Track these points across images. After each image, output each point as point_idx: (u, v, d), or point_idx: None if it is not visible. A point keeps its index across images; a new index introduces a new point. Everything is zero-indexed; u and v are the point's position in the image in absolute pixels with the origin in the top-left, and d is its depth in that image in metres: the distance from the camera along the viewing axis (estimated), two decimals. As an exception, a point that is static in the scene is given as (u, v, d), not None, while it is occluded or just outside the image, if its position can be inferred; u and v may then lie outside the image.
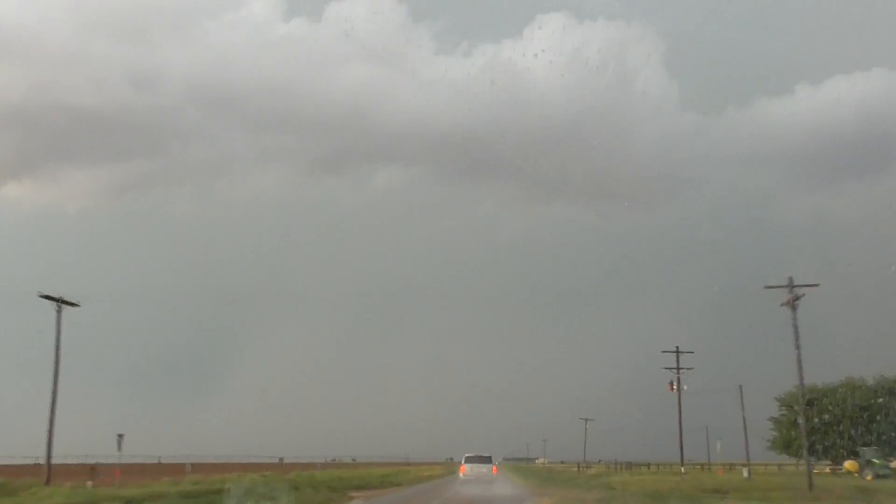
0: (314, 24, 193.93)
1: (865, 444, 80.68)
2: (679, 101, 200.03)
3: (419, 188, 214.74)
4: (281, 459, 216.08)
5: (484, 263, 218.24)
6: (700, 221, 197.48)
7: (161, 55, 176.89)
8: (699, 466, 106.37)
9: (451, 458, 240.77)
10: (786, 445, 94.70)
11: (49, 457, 46.47)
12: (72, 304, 48.35)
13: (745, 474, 67.88)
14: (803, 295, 45.73)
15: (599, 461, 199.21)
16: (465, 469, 55.66)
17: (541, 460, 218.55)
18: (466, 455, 56.86)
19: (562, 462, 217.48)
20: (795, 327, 46.11)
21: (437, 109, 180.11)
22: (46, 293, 47.18)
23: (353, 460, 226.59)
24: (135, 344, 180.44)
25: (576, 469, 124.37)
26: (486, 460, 56.21)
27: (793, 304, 45.48)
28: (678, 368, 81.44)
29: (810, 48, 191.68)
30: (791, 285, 46.19)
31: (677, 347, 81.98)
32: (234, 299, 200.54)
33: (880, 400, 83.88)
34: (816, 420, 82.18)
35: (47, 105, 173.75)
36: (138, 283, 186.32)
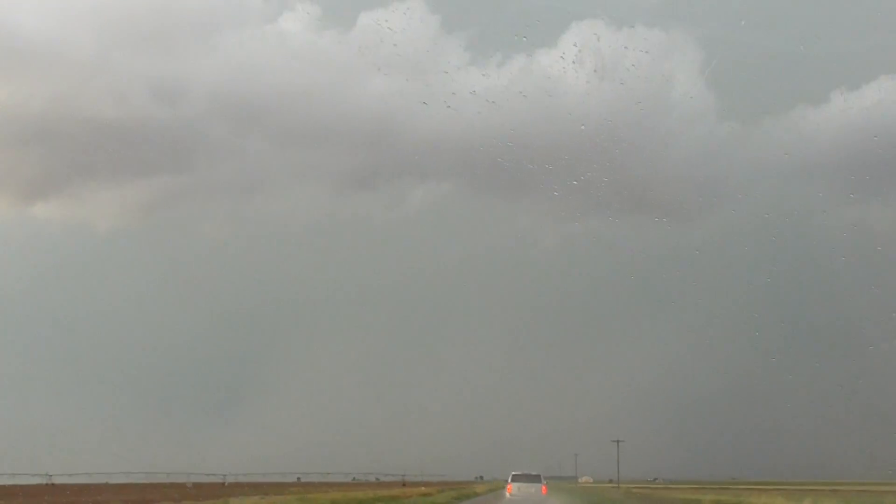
0: (344, 35, 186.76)
1: None
2: (716, 110, 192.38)
3: (453, 204, 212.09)
4: (298, 478, 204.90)
5: (519, 280, 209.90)
6: (737, 236, 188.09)
7: (184, 67, 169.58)
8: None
9: (481, 477, 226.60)
10: None
11: None
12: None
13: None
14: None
15: (655, 479, 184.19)
16: (512, 488, 54.47)
17: (585, 479, 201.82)
18: (513, 473, 55.58)
19: (610, 481, 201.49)
20: None
21: (471, 121, 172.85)
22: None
23: (378, 480, 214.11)
24: (161, 364, 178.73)
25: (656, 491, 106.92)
26: (535, 479, 54.92)
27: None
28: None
29: (846, 52, 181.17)
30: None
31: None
32: (264, 320, 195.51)
33: None
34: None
35: (68, 118, 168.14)
36: (168, 305, 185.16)
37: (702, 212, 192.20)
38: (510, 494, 54.25)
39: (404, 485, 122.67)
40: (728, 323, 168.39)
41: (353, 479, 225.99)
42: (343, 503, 46.89)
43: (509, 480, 55.49)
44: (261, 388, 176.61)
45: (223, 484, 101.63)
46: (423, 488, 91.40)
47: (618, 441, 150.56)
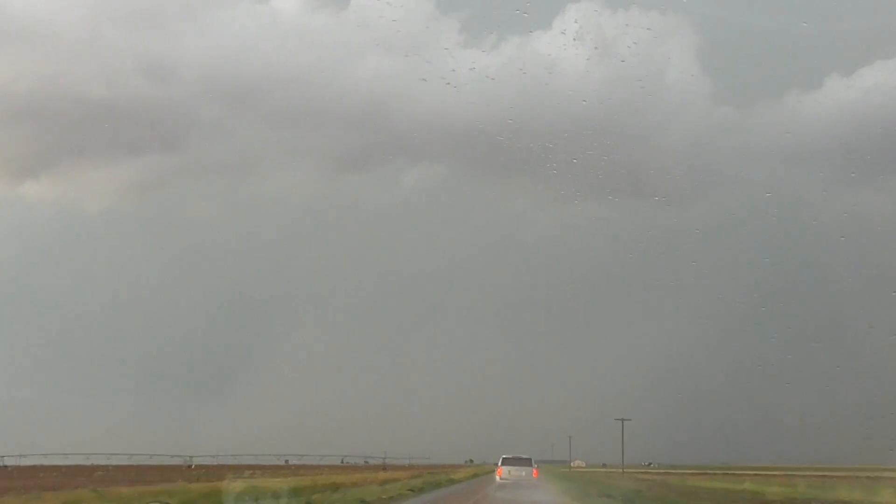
0: (337, 15, 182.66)
1: None
2: (712, 94, 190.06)
3: (447, 186, 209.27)
4: (286, 461, 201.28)
5: (514, 263, 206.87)
6: (732, 221, 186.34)
7: (176, 45, 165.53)
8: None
9: (472, 461, 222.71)
10: None
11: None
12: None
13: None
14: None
15: (650, 464, 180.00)
16: (502, 471, 54.25)
17: (577, 463, 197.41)
18: (503, 456, 55.30)
19: (603, 465, 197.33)
20: None
21: (465, 103, 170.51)
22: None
23: (366, 462, 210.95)
24: (155, 346, 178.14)
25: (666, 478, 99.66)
26: (526, 462, 54.56)
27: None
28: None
29: (841, 36, 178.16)
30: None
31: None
32: (255, 302, 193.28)
33: None
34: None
35: (57, 96, 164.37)
36: (163, 286, 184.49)
37: (696, 196, 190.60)
38: (500, 478, 54.16)
39: (385, 468, 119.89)
40: (723, 307, 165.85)
41: (343, 461, 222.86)
42: (274, 490, 41.24)
43: (499, 464, 55.41)
44: (252, 370, 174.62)
45: (189, 467, 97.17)
46: (391, 473, 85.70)
47: (622, 420, 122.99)
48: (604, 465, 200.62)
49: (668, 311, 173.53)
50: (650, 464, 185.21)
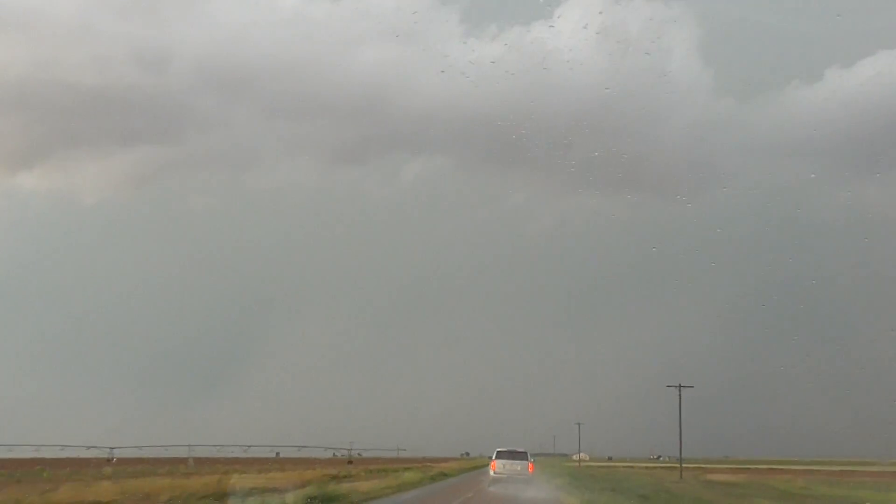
0: (336, 4, 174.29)
1: None
2: (713, 86, 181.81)
3: (448, 178, 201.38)
4: (277, 454, 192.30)
5: (514, 256, 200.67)
6: (730, 214, 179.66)
7: (171, 33, 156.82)
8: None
9: (468, 454, 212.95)
10: None
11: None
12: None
13: None
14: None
15: (659, 457, 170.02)
16: (496, 465, 54.04)
17: (581, 456, 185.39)
18: (498, 450, 54.89)
19: (609, 459, 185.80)
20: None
21: (464, 94, 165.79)
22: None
23: (360, 455, 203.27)
24: (155, 339, 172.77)
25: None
26: (521, 456, 54.26)
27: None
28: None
29: (843, 27, 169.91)
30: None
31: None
32: (255, 295, 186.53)
33: None
34: None
35: (50, 85, 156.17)
36: (156, 280, 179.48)
37: (698, 189, 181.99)
38: (494, 472, 53.95)
39: (350, 462, 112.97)
40: (726, 301, 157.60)
41: (333, 454, 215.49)
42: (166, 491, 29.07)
43: (493, 458, 54.89)
44: (251, 361, 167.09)
45: (109, 460, 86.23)
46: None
47: (679, 386, 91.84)
48: (609, 459, 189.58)
49: (671, 304, 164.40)
50: (659, 457, 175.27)
